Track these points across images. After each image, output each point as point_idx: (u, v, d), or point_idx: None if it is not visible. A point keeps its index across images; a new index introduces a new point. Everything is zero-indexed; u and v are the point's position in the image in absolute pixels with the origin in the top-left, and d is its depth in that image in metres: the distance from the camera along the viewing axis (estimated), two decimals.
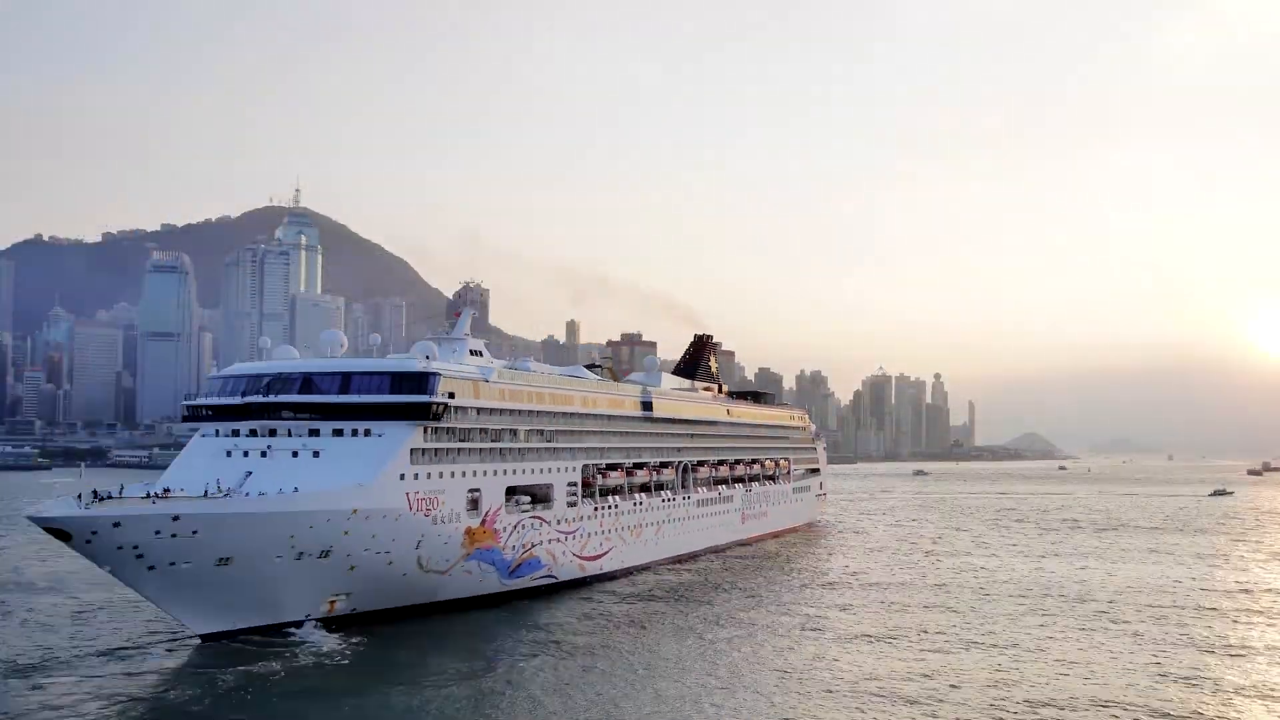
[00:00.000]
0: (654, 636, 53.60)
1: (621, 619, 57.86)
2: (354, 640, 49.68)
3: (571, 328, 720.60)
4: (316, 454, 53.07)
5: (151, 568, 45.59)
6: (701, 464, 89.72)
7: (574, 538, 67.48)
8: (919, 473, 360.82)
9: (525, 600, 62.18)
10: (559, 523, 65.79)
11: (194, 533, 45.53)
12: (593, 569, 69.52)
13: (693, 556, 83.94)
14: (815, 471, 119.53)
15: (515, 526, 61.43)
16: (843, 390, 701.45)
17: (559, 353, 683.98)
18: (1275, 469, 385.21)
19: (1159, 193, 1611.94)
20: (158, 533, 44.68)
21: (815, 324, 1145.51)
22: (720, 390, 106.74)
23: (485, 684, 43.83)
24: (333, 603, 52.05)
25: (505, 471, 61.52)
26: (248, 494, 48.95)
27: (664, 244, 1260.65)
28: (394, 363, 58.54)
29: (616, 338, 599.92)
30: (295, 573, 49.44)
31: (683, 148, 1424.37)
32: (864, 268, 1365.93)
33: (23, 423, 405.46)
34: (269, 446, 53.85)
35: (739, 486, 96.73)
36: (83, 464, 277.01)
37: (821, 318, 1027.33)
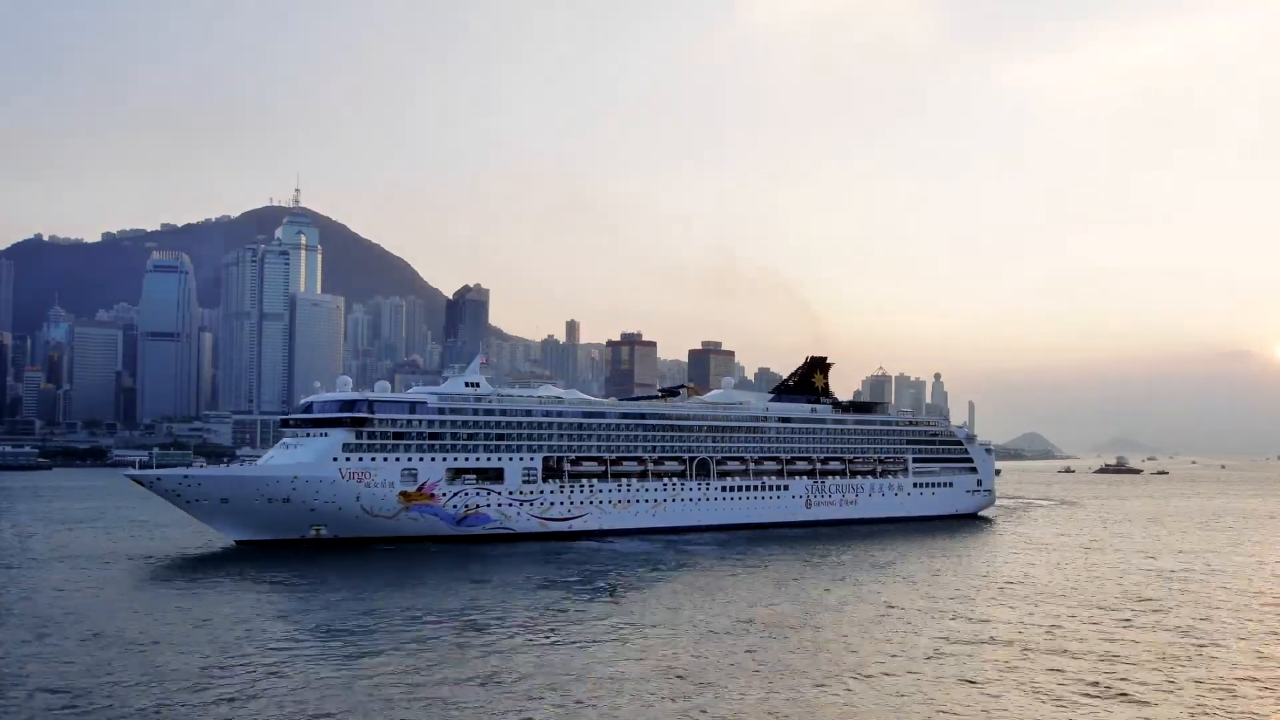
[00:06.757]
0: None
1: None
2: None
3: (571, 328, 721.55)
4: (300, 446, 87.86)
5: (188, 502, 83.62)
6: (728, 459, 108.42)
7: (534, 504, 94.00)
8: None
9: (493, 542, 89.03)
10: (512, 493, 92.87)
11: (199, 485, 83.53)
12: (559, 527, 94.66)
13: (716, 529, 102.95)
14: (970, 470, 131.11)
15: (456, 493, 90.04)
16: (843, 390, 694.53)
17: (558, 352, 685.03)
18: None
19: (1159, 192, 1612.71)
20: (180, 482, 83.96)
21: (815, 324, 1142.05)
22: (820, 401, 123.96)
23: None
24: (317, 529, 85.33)
25: (445, 458, 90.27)
26: (245, 466, 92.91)
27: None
28: (344, 395, 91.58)
29: (616, 337, 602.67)
30: (275, 510, 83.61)
31: (683, 149, 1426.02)
32: (864, 268, 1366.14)
33: (23, 423, 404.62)
34: (288, 442, 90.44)
35: (801, 479, 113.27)
36: None
37: (821, 317, 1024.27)
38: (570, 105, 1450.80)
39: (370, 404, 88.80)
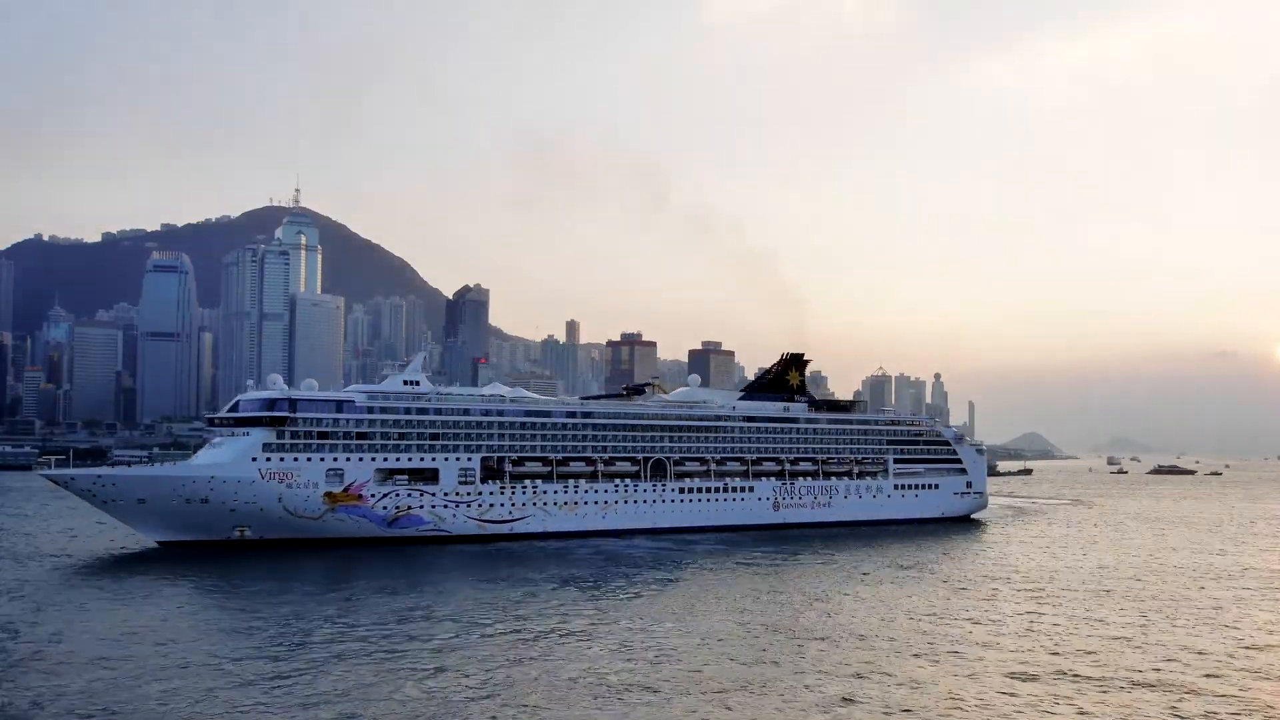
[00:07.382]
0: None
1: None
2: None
3: (571, 328, 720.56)
4: (223, 446, 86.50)
5: (104, 502, 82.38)
6: (687, 459, 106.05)
7: (471, 506, 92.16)
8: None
9: (426, 544, 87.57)
10: (447, 494, 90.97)
11: (114, 485, 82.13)
12: (499, 530, 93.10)
13: (671, 532, 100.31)
14: (958, 471, 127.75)
15: (387, 494, 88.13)
16: (843, 390, 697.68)
17: (558, 352, 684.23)
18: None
19: (1161, 192, 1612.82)
20: (94, 482, 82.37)
21: (815, 324, 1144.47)
22: (795, 399, 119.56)
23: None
24: (241, 530, 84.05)
25: (374, 458, 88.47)
26: (164, 466, 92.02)
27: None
28: (268, 393, 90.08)
29: (616, 337, 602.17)
30: (194, 510, 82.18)
31: (679, 149, 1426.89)
32: (864, 267, 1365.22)
33: (23, 423, 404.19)
34: (216, 442, 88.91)
35: (768, 480, 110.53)
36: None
37: (821, 317, 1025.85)
38: (569, 105, 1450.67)
39: (293, 402, 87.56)
